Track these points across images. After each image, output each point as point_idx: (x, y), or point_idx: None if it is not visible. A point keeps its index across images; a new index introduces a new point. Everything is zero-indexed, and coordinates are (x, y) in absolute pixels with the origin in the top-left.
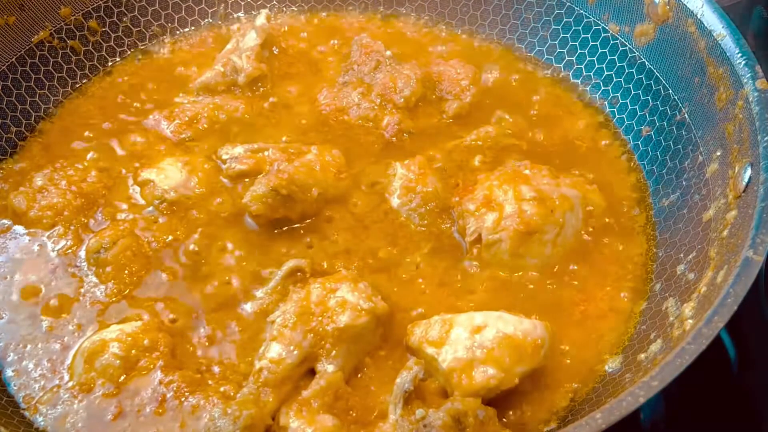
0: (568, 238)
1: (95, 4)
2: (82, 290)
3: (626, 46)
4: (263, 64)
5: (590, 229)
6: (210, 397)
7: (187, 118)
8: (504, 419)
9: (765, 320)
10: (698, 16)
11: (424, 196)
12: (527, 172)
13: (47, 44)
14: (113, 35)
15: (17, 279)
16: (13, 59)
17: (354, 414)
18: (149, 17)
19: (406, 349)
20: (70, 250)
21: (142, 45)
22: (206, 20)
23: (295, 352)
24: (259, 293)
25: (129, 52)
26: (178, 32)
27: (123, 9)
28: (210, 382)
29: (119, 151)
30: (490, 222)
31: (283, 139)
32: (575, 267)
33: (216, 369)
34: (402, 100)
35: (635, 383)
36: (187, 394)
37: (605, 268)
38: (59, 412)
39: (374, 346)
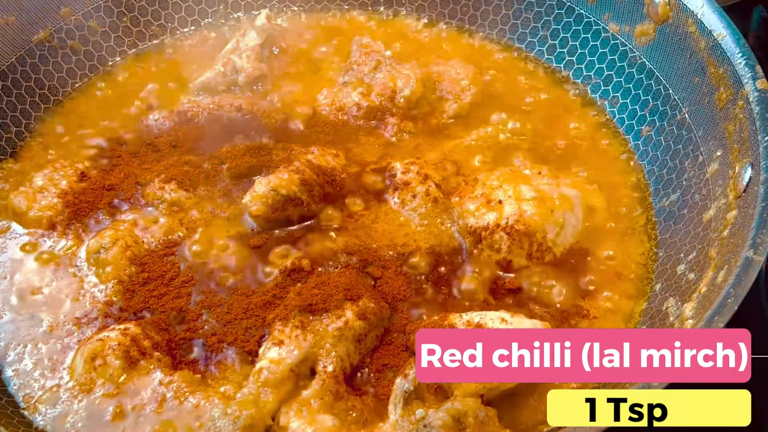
0: (568, 237)
1: (95, 4)
2: (82, 290)
3: (626, 45)
4: (263, 64)
5: (590, 229)
6: (210, 397)
7: (187, 118)
8: (504, 420)
9: (765, 320)
10: (698, 16)
11: (424, 196)
12: (527, 172)
13: (47, 44)
14: (113, 35)
15: (17, 279)
16: (13, 59)
17: (354, 414)
18: (149, 17)
19: (405, 349)
20: (70, 250)
21: (142, 45)
22: (206, 20)
23: (295, 352)
24: (259, 293)
25: (129, 52)
26: (178, 32)
27: (123, 9)
28: (210, 382)
29: (119, 151)
30: (490, 222)
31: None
32: (575, 267)
33: (216, 369)
34: (402, 100)
35: (636, 384)
36: (187, 394)
37: (605, 268)
38: (59, 411)
39: (374, 346)
